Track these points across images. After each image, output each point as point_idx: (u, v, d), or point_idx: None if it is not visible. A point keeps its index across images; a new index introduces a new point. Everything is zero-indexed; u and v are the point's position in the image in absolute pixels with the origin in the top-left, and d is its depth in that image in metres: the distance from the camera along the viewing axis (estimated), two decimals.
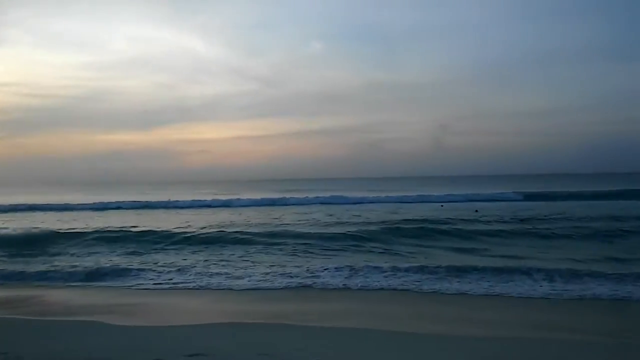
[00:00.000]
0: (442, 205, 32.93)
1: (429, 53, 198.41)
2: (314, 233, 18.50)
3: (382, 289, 10.77)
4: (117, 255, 15.44)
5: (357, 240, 17.09)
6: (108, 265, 13.68)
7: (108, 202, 37.03)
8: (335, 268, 12.50)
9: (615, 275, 10.95)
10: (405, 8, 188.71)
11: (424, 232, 18.68)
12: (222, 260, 14.15)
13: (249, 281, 11.68)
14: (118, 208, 34.93)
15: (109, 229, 20.81)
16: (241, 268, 13.12)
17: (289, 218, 25.47)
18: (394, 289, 10.72)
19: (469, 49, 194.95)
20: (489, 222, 21.65)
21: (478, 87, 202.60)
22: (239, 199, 39.07)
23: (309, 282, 11.43)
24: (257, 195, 41.42)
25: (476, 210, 26.89)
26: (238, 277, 12.04)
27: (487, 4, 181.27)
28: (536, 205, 31.41)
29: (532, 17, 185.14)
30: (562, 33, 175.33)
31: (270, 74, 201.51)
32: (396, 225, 20.17)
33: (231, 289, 11.05)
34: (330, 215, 26.81)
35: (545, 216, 23.29)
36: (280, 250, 15.59)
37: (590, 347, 6.48)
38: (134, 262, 14.10)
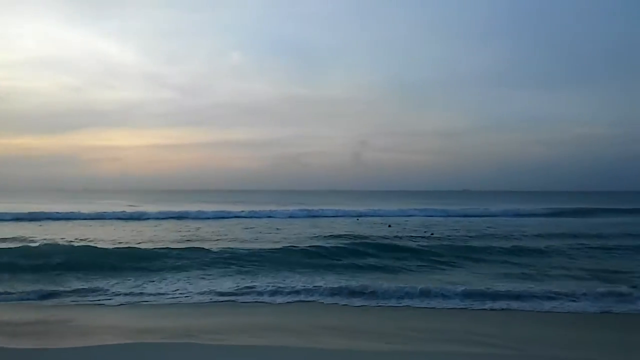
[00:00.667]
0: (357, 220, 33.77)
1: (349, 70, 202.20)
2: (234, 248, 17.96)
3: (299, 301, 10.93)
4: (22, 270, 14.17)
5: (276, 254, 16.86)
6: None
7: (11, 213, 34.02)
8: (254, 283, 12.42)
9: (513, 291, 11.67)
10: (326, 25, 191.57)
11: (342, 246, 18.87)
12: (132, 276, 13.48)
13: (159, 297, 11.24)
14: (15, 219, 32.18)
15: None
16: (152, 283, 12.60)
17: (206, 231, 24.85)
18: (309, 301, 10.94)
19: (389, 69, 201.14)
20: (401, 237, 22.38)
21: (397, 105, 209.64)
22: (153, 211, 37.50)
23: (225, 298, 11.19)
24: (174, 207, 40.02)
25: (389, 225, 27.90)
26: (149, 293, 11.56)
27: (407, 26, 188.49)
28: (446, 221, 32.98)
29: (450, 40, 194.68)
30: (478, 57, 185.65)
31: (188, 83, 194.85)
32: (315, 241, 20.24)
33: (139, 305, 10.57)
34: (251, 228, 26.54)
35: (458, 233, 24.45)
36: (197, 264, 15.09)
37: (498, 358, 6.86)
38: (32, 278, 13.14)
